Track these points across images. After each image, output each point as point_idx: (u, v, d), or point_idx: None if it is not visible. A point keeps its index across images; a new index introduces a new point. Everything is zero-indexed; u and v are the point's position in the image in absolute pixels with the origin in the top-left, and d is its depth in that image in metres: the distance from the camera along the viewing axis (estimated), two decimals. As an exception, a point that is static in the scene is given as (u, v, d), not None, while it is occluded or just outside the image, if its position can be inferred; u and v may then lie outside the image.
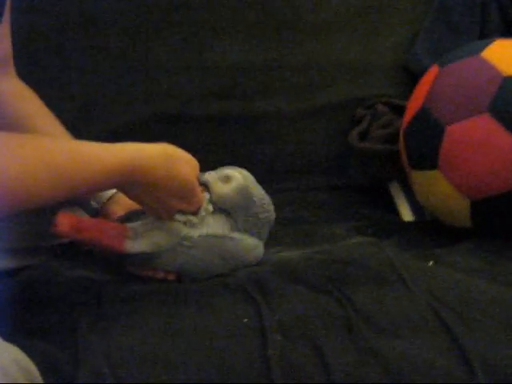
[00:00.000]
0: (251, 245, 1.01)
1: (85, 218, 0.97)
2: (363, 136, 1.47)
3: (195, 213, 0.96)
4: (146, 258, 0.95)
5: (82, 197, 1.02)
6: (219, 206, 0.97)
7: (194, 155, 0.93)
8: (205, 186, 0.97)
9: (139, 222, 0.96)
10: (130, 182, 0.84)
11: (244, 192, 0.98)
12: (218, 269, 0.99)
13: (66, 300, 0.90)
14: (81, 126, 1.42)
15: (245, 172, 1.00)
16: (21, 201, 0.72)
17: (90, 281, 0.95)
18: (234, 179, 0.98)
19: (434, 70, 1.25)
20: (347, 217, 1.37)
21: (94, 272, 0.98)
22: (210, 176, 0.98)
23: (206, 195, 0.97)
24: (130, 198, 0.90)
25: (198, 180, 0.95)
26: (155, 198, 0.88)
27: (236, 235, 0.99)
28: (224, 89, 1.51)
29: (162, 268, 0.97)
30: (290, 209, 1.40)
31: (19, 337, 0.79)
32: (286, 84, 1.54)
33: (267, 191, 1.07)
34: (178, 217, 0.94)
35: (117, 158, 0.80)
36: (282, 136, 1.53)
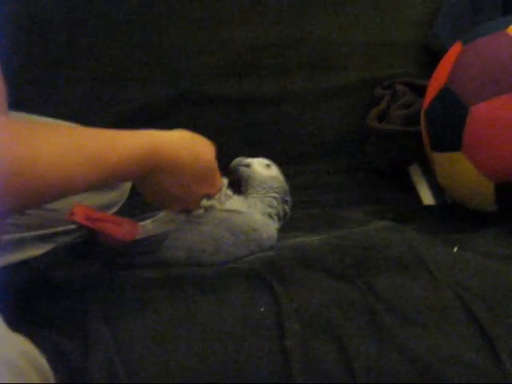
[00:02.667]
0: (262, 220, 1.02)
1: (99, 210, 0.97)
2: (382, 117, 1.44)
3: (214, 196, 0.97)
4: (153, 242, 0.95)
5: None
6: (254, 185, 1.08)
7: (208, 136, 0.93)
8: (245, 166, 1.10)
9: (148, 220, 0.98)
10: (155, 168, 0.83)
11: (277, 180, 1.10)
12: (230, 247, 0.97)
13: (75, 288, 0.87)
14: (89, 108, 1.41)
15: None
16: (52, 186, 0.71)
17: (99, 268, 0.93)
18: (273, 168, 1.11)
19: (456, 48, 1.20)
20: (366, 201, 1.35)
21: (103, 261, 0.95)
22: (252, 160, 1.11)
23: (225, 180, 1.00)
24: (154, 190, 0.89)
25: (241, 162, 1.10)
26: (181, 184, 0.89)
27: (245, 210, 1.02)
28: (239, 68, 1.48)
29: (172, 250, 0.95)
30: (307, 192, 1.38)
31: (27, 326, 0.76)
32: (302, 63, 1.51)
33: (284, 174, 1.11)
34: (204, 202, 0.96)
35: (141, 143, 0.81)
36: (298, 116, 1.50)
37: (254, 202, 1.06)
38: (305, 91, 1.50)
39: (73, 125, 1.08)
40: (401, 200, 1.36)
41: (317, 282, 0.90)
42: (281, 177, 1.11)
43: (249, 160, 1.11)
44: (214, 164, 0.93)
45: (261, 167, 1.10)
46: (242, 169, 1.10)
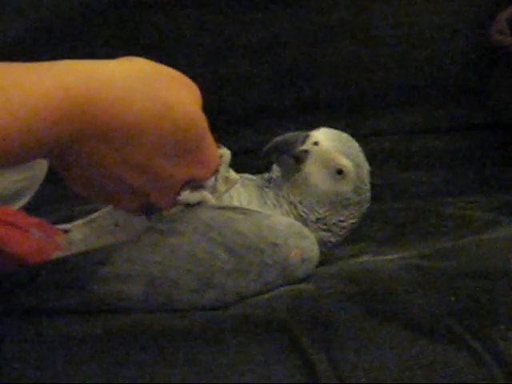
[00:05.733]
0: (291, 226, 1.02)
1: None
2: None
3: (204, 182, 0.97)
4: (86, 265, 0.94)
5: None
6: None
7: (187, 70, 0.90)
8: (296, 159, 1.05)
9: (77, 222, 1.00)
10: (86, 130, 0.81)
11: (341, 202, 1.07)
12: (229, 277, 0.97)
13: None
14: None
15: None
16: None
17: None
18: (348, 180, 1.06)
19: None
20: (487, 183, 1.33)
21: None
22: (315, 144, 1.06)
23: (226, 152, 0.99)
24: (86, 170, 0.88)
25: (294, 141, 1.04)
26: (138, 163, 0.87)
27: (258, 209, 1.03)
28: None
29: (119, 282, 0.94)
30: (378, 168, 1.31)
31: None
32: None
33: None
34: (187, 196, 0.94)
35: (57, 85, 0.79)
36: (354, 22, 1.52)
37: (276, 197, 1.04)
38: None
39: None
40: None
41: (397, 345, 0.88)
42: (356, 197, 1.08)
43: (310, 144, 1.05)
44: (200, 119, 0.90)
45: (323, 168, 1.06)
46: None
